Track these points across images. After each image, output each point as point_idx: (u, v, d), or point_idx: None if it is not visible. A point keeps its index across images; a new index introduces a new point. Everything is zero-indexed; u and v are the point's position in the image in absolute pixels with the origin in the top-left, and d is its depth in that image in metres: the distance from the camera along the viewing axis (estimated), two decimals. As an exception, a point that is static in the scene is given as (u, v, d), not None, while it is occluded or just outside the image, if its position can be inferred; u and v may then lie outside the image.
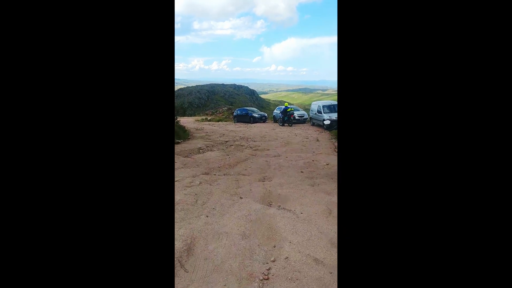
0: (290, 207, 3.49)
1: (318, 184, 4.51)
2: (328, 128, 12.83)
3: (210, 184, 4.28)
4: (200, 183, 4.35)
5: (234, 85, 68.62)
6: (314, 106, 15.15)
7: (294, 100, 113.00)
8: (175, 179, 4.49)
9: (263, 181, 4.76)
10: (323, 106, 14.18)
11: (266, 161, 6.37)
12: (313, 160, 6.41)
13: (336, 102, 15.03)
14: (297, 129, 13.59)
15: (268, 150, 8.20)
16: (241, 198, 3.77)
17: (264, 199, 3.84)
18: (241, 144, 9.14)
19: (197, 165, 5.58)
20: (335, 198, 3.77)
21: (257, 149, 8.31)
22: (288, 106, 15.88)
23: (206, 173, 5.07)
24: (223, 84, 66.20)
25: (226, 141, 9.52)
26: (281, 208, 3.40)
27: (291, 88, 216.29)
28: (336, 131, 11.46)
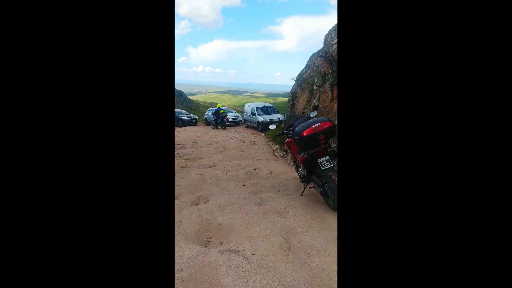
0: (236, 244, 2.56)
1: (265, 201, 3.71)
2: (263, 130, 12.44)
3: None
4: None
5: (160, 86, 63.84)
6: (248, 108, 14.60)
7: (225, 102, 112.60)
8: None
9: (197, 204, 3.72)
10: (257, 108, 13.72)
11: (200, 174, 5.31)
12: (254, 169, 5.63)
13: (269, 104, 14.77)
14: (232, 132, 12.77)
15: (202, 158, 7.12)
16: (167, 238, 2.67)
17: (199, 235, 2.82)
18: (169, 152, 7.82)
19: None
20: (289, 221, 3.01)
21: (188, 159, 7.14)
22: (221, 107, 14.94)
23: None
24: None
25: (150, 150, 8.05)
26: (226, 250, 2.44)
27: (220, 90, 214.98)
28: (271, 132, 11.11)
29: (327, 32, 7.50)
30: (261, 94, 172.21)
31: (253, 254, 2.35)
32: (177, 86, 71.72)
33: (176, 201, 3.77)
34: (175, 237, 2.68)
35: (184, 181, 4.83)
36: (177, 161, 6.67)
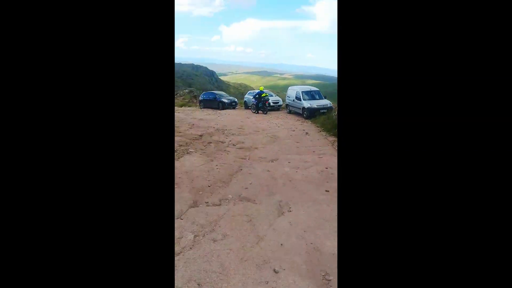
0: None
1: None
2: (309, 116, 11.63)
3: (214, 241, 2.53)
4: (196, 236, 2.57)
5: (192, 65, 64.16)
6: (291, 92, 13.70)
7: (253, 83, 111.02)
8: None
9: (282, 214, 3.16)
10: (303, 92, 12.80)
11: (268, 171, 4.74)
12: (326, 168, 4.96)
13: (315, 88, 13.77)
14: (275, 118, 12.08)
15: (257, 149, 6.57)
16: (276, 272, 2.13)
17: (312, 269, 2.24)
18: (220, 140, 7.35)
19: (176, 183, 3.74)
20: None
21: (242, 148, 6.63)
22: (263, 91, 14.21)
23: (194, 204, 3.28)
24: (180, 64, 61.28)
25: (201, 135, 7.62)
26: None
27: (250, 71, 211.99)
28: (321, 120, 10.31)
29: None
30: (290, 75, 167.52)
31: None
32: (209, 66, 71.61)
33: (256, 207, 3.24)
34: (283, 271, 2.13)
35: (252, 178, 4.28)
36: (233, 152, 6.16)
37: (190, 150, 5.86)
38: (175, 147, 5.91)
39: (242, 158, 5.58)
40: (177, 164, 4.68)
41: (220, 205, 3.32)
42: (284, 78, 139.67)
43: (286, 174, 4.56)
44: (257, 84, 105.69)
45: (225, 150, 6.32)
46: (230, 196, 3.59)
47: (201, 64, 69.22)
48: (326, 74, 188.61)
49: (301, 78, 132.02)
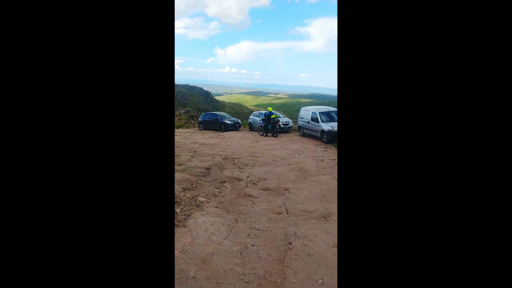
0: None
1: None
2: (329, 141, 9.97)
3: None
4: None
5: (187, 85, 63.25)
6: (305, 112, 12.05)
7: (248, 102, 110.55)
8: None
9: None
10: (320, 114, 11.13)
11: (336, 245, 2.84)
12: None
13: (333, 108, 12.14)
14: (289, 142, 10.30)
15: (288, 191, 4.71)
16: None
17: None
18: (234, 175, 5.46)
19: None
20: None
21: (268, 189, 4.77)
22: (272, 112, 12.52)
23: None
24: (175, 84, 60.20)
25: (208, 169, 5.71)
26: None
27: (245, 91, 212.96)
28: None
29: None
30: (284, 95, 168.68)
31: None
32: (204, 87, 71.03)
33: None
34: None
35: (318, 264, 2.36)
36: (260, 199, 4.26)
37: (199, 199, 3.92)
38: (176, 193, 3.98)
39: (278, 213, 3.67)
40: (182, 237, 2.70)
41: None
42: (279, 98, 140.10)
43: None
44: (252, 103, 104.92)
45: (247, 195, 4.42)
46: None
47: (196, 85, 68.33)
48: (320, 93, 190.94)
49: (295, 98, 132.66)
